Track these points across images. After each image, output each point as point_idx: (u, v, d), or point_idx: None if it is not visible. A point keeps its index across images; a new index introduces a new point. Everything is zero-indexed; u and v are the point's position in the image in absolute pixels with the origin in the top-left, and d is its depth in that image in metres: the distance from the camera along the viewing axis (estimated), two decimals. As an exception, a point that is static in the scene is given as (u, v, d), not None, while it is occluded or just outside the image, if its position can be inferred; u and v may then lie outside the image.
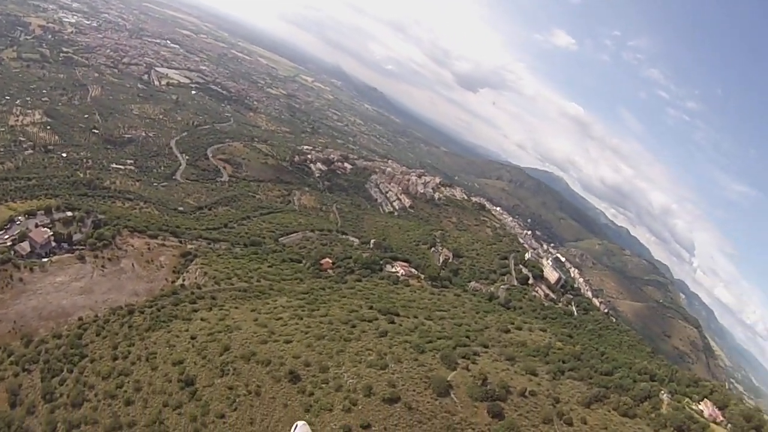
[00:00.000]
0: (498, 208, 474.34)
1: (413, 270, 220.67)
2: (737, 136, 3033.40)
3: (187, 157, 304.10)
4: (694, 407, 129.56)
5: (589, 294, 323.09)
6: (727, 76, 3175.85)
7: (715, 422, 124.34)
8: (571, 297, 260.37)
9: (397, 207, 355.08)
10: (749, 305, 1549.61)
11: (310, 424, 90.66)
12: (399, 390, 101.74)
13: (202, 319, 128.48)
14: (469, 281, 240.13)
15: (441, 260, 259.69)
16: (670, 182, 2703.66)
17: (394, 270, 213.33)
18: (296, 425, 13.37)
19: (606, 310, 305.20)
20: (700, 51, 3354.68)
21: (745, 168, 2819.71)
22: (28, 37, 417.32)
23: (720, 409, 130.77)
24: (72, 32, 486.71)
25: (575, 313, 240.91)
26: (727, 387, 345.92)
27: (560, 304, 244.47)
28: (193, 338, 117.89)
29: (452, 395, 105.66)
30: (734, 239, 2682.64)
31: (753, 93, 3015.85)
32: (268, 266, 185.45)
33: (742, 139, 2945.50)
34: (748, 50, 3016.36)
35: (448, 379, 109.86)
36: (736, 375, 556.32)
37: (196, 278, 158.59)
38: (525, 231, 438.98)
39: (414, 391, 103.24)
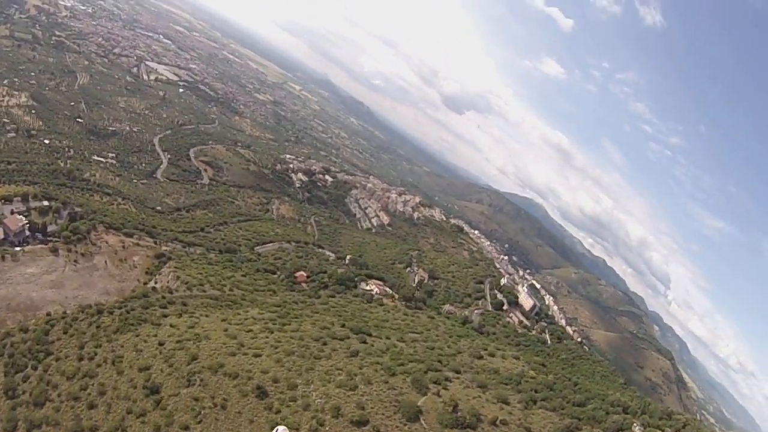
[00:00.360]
0: (476, 232, 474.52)
1: (388, 289, 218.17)
2: (717, 173, 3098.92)
3: (169, 156, 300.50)
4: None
5: (563, 322, 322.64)
6: (711, 115, 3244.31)
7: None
8: (545, 325, 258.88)
9: (375, 224, 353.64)
10: (723, 339, 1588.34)
11: None
12: (368, 413, 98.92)
13: (171, 325, 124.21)
14: (444, 304, 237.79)
15: (416, 281, 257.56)
16: (648, 215, 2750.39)
17: (368, 288, 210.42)
18: (276, 430, 11.72)
19: (579, 339, 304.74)
20: (685, 89, 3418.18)
21: (724, 205, 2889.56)
22: (23, 16, 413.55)
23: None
24: (66, 16, 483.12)
25: (549, 341, 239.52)
26: (699, 419, 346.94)
27: (534, 332, 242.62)
28: (161, 344, 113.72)
29: (422, 421, 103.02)
30: (710, 274, 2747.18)
31: (735, 132, 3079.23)
32: (242, 275, 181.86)
33: (722, 177, 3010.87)
34: (733, 90, 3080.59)
35: (419, 404, 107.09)
36: (708, 407, 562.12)
37: (168, 282, 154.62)
38: (502, 256, 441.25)
39: (383, 414, 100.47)
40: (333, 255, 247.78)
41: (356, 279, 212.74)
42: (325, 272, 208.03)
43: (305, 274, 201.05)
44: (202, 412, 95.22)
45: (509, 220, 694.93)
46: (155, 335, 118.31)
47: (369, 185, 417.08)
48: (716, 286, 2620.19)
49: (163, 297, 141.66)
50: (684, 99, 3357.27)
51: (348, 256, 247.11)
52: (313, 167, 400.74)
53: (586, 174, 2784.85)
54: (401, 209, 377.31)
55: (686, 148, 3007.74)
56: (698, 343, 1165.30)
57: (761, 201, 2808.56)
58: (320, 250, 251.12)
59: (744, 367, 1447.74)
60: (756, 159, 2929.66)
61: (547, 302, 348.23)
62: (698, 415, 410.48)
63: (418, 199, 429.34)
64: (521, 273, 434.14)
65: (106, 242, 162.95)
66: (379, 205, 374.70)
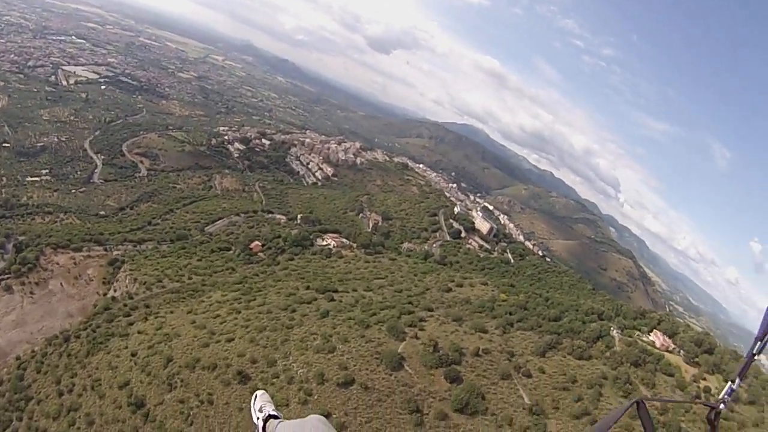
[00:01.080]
0: (421, 165, 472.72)
1: (345, 240, 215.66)
2: (654, 78, 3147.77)
3: (102, 157, 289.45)
4: (645, 339, 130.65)
5: (522, 238, 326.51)
6: (642, 24, 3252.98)
7: (668, 351, 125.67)
8: (506, 245, 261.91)
9: (320, 177, 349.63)
10: (679, 233, 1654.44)
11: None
12: (352, 371, 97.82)
13: (139, 332, 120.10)
14: (402, 243, 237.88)
15: (371, 225, 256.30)
16: (590, 125, 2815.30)
17: (325, 243, 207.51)
18: (255, 395, 10.30)
19: (541, 253, 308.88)
20: (614, 1, 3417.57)
21: (664, 107, 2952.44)
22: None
23: (670, 337, 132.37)
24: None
25: (512, 260, 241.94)
26: (668, 310, 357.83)
27: (496, 254, 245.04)
28: (133, 355, 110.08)
29: (406, 367, 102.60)
30: (659, 174, 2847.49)
31: (668, 38, 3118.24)
32: (198, 260, 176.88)
33: (659, 81, 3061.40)
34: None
35: (399, 351, 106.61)
36: (674, 297, 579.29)
37: (126, 286, 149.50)
38: (450, 184, 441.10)
39: (367, 369, 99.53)
40: (284, 217, 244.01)
41: (311, 237, 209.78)
42: (280, 237, 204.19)
43: (260, 244, 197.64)
44: (192, 413, 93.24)
45: (452, 148, 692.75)
46: (126, 347, 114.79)
47: (307, 140, 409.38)
48: (667, 184, 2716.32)
49: (125, 305, 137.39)
50: (613, 11, 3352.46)
51: (299, 216, 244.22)
52: (249, 134, 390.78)
53: (522, 93, 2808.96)
54: (343, 157, 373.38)
55: (620, 57, 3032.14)
56: (656, 239, 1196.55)
57: (700, 100, 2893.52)
58: (270, 215, 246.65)
59: (703, 257, 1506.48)
60: (691, 61, 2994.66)
61: (502, 222, 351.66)
62: (667, 307, 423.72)
63: (358, 145, 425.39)
64: (472, 198, 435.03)
65: (57, 263, 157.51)
66: (321, 157, 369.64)
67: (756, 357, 5.95)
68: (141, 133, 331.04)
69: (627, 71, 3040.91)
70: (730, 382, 5.91)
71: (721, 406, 5.75)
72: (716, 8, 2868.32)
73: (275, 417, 9.40)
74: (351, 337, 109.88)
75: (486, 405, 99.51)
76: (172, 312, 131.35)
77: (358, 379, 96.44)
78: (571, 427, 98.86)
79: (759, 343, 5.93)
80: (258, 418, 9.74)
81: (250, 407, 10.91)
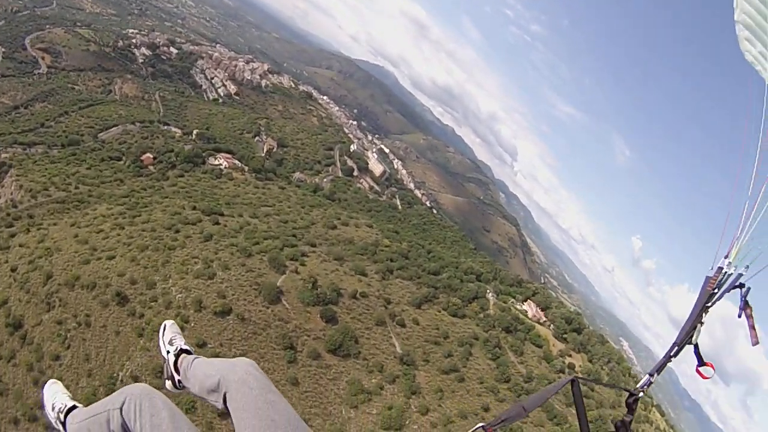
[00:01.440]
0: (325, 98, 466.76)
1: (237, 162, 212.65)
2: (575, 64, 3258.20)
3: (3, 50, 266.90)
4: (518, 307, 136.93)
5: (412, 186, 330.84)
6: (576, 10, 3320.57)
7: (538, 322, 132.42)
8: (396, 190, 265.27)
9: (222, 94, 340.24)
10: (566, 212, 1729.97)
11: (145, 350, 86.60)
12: (230, 301, 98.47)
13: (20, 245, 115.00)
14: (294, 172, 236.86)
15: (265, 150, 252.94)
16: (501, 92, 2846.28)
17: (217, 163, 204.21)
18: (164, 326, 10.26)
19: (429, 204, 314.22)
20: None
21: (577, 93, 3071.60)
22: None
23: (543, 310, 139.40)
24: None
25: (399, 206, 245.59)
26: (543, 281, 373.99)
27: (385, 197, 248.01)
28: (13, 270, 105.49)
29: (284, 301, 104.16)
30: (558, 153, 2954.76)
31: (598, 31, 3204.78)
32: (87, 168, 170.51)
33: (579, 68, 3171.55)
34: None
35: (278, 284, 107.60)
36: (550, 271, 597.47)
37: (11, 193, 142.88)
38: (351, 121, 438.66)
39: (245, 300, 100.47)
40: (179, 131, 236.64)
41: (204, 154, 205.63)
42: (172, 151, 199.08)
43: (152, 156, 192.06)
44: (69, 336, 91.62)
45: (359, 86, 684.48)
46: (6, 261, 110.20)
47: (215, 54, 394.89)
48: (564, 164, 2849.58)
49: (8, 214, 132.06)
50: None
51: (195, 131, 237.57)
52: (158, 40, 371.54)
53: (441, 47, 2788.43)
54: (249, 77, 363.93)
55: (547, 37, 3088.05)
56: (542, 213, 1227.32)
57: (614, 96, 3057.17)
58: (166, 127, 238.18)
59: (585, 239, 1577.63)
60: (614, 59, 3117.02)
61: (396, 167, 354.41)
62: (542, 278, 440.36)
63: (266, 67, 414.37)
64: (370, 138, 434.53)
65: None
66: (226, 74, 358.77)
67: (672, 358, 6.53)
68: (47, 27, 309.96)
69: (550, 51, 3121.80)
70: (648, 375, 6.46)
71: (641, 393, 6.23)
72: (648, 16, 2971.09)
73: (188, 352, 9.05)
74: (232, 265, 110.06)
75: (359, 349, 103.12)
76: (55, 224, 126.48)
77: (235, 309, 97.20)
78: (439, 381, 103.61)
79: (677, 347, 6.47)
80: (168, 352, 8.96)
81: (158, 339, 10.55)
